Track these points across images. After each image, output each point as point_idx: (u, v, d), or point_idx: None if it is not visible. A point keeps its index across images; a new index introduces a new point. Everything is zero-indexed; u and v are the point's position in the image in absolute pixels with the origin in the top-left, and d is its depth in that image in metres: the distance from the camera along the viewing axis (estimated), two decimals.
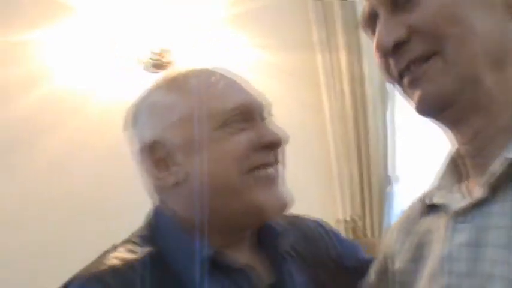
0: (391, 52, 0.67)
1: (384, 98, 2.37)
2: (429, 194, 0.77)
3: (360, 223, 2.42)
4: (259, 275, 0.84)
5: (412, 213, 0.82)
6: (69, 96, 2.07)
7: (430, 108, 0.67)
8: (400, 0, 0.67)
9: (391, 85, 0.72)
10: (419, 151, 2.34)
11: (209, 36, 2.23)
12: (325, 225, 1.04)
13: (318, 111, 2.51)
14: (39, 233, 1.91)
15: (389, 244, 0.86)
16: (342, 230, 2.44)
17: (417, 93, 0.67)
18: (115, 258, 0.79)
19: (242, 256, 0.85)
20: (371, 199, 2.39)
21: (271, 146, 0.85)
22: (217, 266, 0.80)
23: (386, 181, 2.40)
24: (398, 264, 0.81)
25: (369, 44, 2.28)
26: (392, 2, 0.67)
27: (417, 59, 0.65)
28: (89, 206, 1.96)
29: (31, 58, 2.02)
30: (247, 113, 0.85)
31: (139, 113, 0.88)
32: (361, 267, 0.96)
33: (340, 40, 2.39)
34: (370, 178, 2.39)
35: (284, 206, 0.85)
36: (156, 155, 0.84)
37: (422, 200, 0.79)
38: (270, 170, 0.85)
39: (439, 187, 0.76)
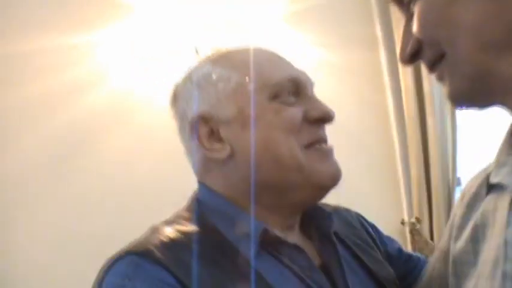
0: (411, 62, 0.69)
1: None
2: (491, 171, 0.72)
3: (425, 226, 2.34)
4: (310, 256, 0.83)
5: (476, 187, 0.77)
6: (128, 98, 2.09)
7: (455, 103, 0.67)
8: (410, 11, 0.67)
9: None
10: (481, 152, 2.25)
11: (269, 34, 2.20)
12: (363, 217, 1.03)
13: (382, 111, 2.46)
14: (103, 225, 1.95)
15: (453, 219, 0.82)
16: (406, 232, 2.38)
17: (444, 90, 0.67)
18: (164, 235, 0.77)
19: (291, 236, 0.83)
20: (438, 201, 2.30)
21: (324, 120, 0.84)
22: (267, 243, 0.78)
23: (454, 183, 2.31)
24: (458, 242, 0.76)
25: None
26: (405, 13, 0.68)
27: (432, 63, 0.66)
28: (147, 202, 1.99)
29: (90, 60, 2.06)
30: (299, 86, 0.84)
31: (188, 87, 0.87)
32: (400, 258, 0.97)
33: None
34: (436, 180, 2.30)
35: (339, 178, 0.83)
36: (207, 128, 0.83)
37: (484, 175, 0.74)
38: (326, 144, 0.84)
39: (502, 164, 0.70)
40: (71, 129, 2.00)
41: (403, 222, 2.38)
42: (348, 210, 1.02)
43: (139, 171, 2.06)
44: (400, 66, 2.34)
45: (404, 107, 2.37)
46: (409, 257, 0.99)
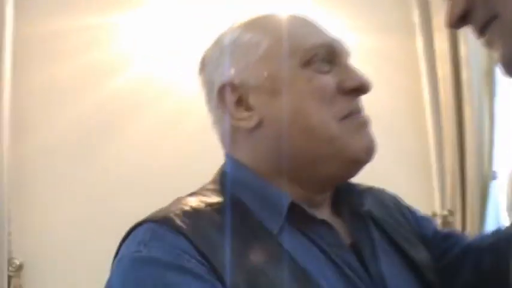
0: (459, 25, 0.63)
1: (490, 85, 2.19)
2: None
3: (458, 218, 2.27)
4: (339, 232, 0.78)
5: None
6: (149, 83, 2.07)
7: (507, 69, 0.60)
8: None
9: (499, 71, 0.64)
10: None
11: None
12: (399, 197, 0.98)
13: (417, 99, 2.38)
14: (126, 207, 1.95)
15: None
16: (438, 225, 2.31)
17: (496, 57, 0.61)
18: (187, 205, 0.74)
19: (320, 213, 0.79)
20: (472, 194, 2.22)
21: (359, 90, 0.78)
22: (294, 218, 0.74)
23: (489, 176, 2.23)
24: None
25: None
26: None
27: (483, 25, 0.60)
28: (172, 185, 1.98)
29: (117, 41, 2.04)
30: (333, 54, 0.78)
31: (216, 53, 0.83)
32: (437, 237, 0.92)
33: (441, 21, 2.22)
34: (471, 172, 2.22)
35: (372, 151, 0.78)
36: (235, 96, 0.79)
37: None
38: (363, 115, 0.79)
39: None
40: (97, 111, 2.00)
41: (434, 214, 2.32)
42: (382, 191, 0.97)
43: (164, 154, 2.05)
44: (436, 51, 2.26)
45: (441, 96, 2.29)
46: (448, 234, 0.94)
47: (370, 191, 0.91)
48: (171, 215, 0.71)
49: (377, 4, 2.38)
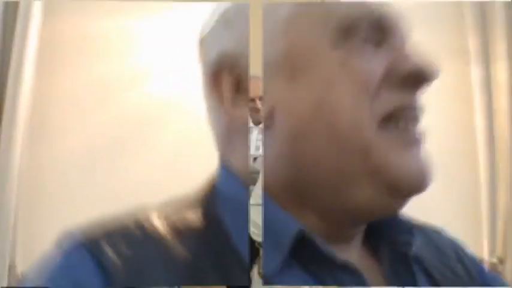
0: None
1: None
2: None
3: (509, 267, 2.07)
4: (369, 280, 0.56)
5: None
6: (175, 95, 1.96)
7: None
8: None
9: None
10: None
11: None
12: (460, 244, 0.75)
13: (469, 133, 2.19)
14: None
15: None
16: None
17: None
18: (139, 223, 0.56)
19: (345, 250, 0.58)
20: None
21: (417, 79, 0.56)
22: (302, 253, 0.53)
23: None
24: None
25: None
26: None
27: None
28: None
29: (137, 50, 1.96)
30: (382, 28, 0.55)
31: (219, 24, 0.61)
32: None
33: (500, 48, 2.05)
34: None
35: (424, 180, 0.56)
36: (234, 79, 0.57)
37: None
38: (412, 123, 0.57)
39: None
40: (118, 122, 1.92)
41: (482, 261, 2.12)
42: (439, 232, 0.75)
43: (186, 169, 1.93)
44: (493, 81, 2.09)
45: (496, 128, 2.10)
46: None
47: (422, 229, 0.70)
48: (103, 238, 0.53)
49: (431, 28, 2.22)
